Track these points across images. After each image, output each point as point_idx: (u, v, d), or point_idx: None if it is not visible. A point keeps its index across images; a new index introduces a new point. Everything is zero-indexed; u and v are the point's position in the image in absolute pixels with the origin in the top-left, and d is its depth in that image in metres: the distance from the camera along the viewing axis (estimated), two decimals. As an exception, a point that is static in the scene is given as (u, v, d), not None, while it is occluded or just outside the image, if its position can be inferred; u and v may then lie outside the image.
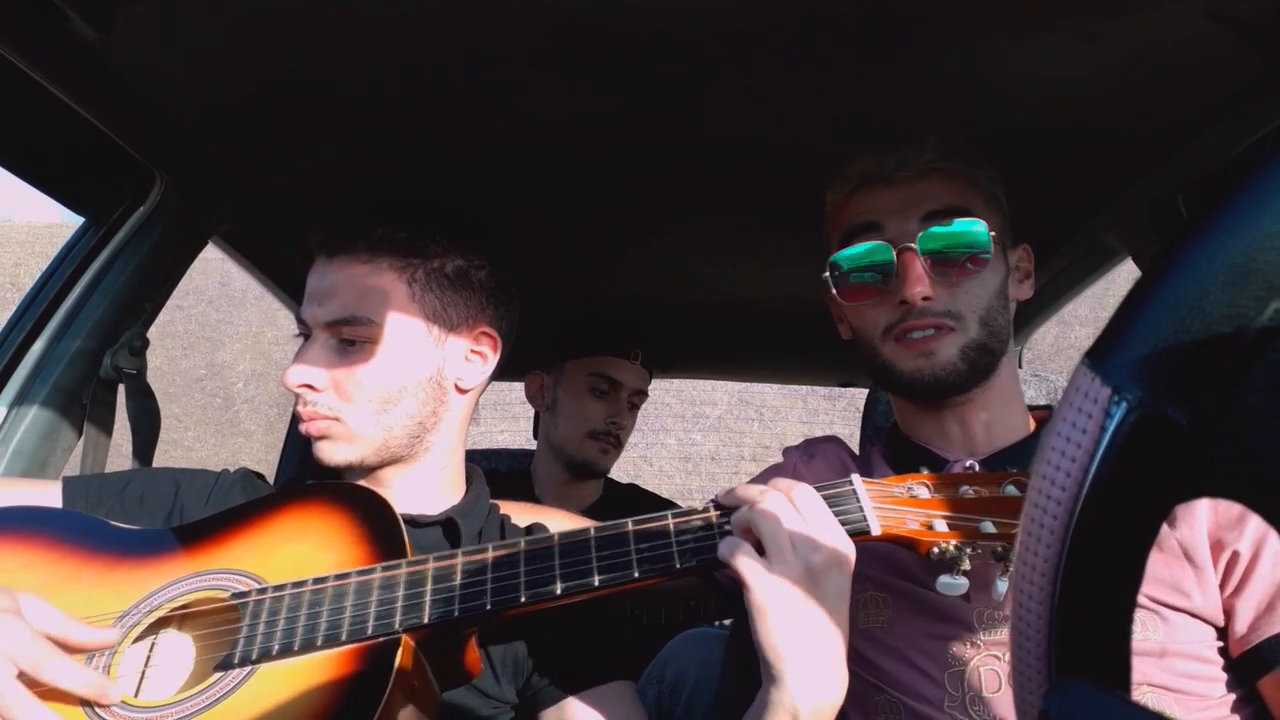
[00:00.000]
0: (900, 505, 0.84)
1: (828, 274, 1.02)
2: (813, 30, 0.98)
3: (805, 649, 0.74)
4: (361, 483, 1.01)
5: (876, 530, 0.81)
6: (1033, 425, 1.04)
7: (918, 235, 0.96)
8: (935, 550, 0.81)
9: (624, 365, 1.85)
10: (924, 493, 0.84)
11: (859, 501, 0.83)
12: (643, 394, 1.92)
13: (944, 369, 0.95)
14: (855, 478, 0.85)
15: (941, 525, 0.81)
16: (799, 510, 0.79)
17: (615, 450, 1.87)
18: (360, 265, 0.99)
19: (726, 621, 1.77)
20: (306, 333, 1.01)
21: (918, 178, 1.00)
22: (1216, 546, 0.85)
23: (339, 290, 0.98)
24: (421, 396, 1.00)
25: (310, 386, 0.97)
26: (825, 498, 0.82)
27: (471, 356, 1.05)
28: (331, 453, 0.98)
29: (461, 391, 1.05)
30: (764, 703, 0.75)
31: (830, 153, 1.10)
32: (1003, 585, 0.83)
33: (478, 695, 0.91)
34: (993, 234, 0.96)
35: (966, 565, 0.81)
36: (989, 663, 0.89)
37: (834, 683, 0.75)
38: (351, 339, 0.98)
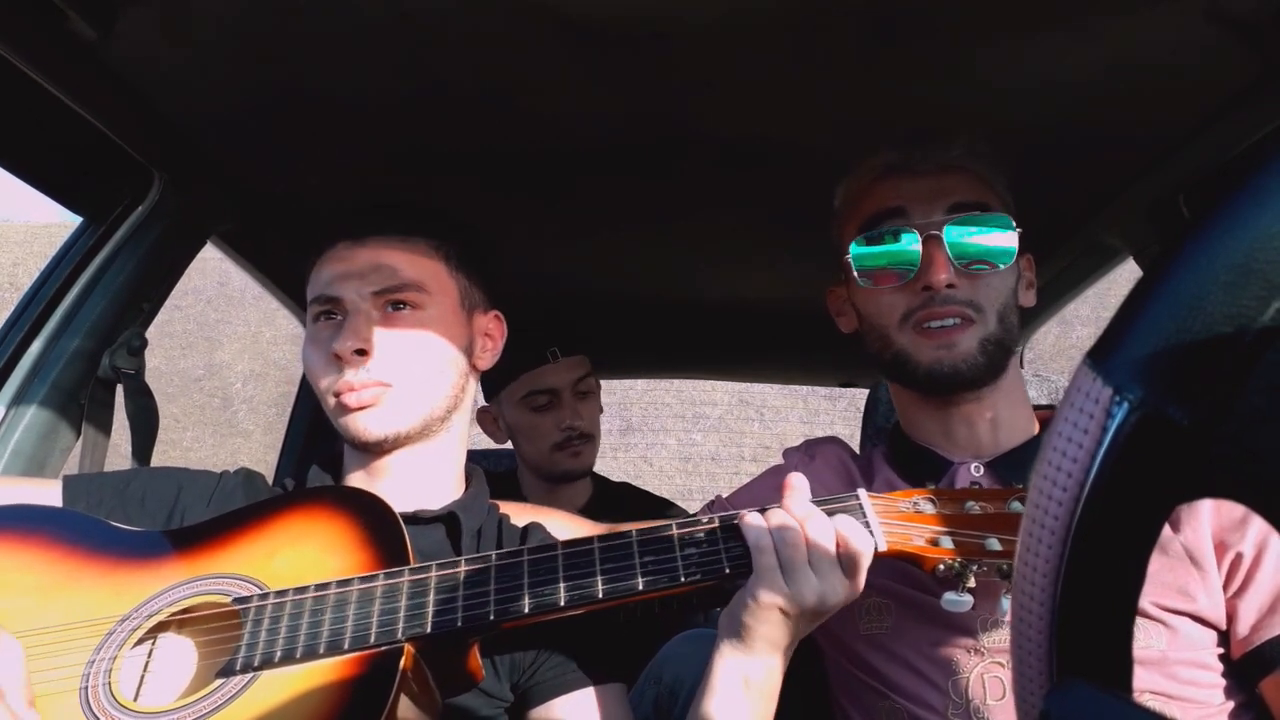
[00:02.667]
0: (906, 521, 0.83)
1: (848, 257, 1.00)
2: (813, 31, 0.98)
3: (774, 641, 0.79)
4: (366, 473, 1.01)
5: (883, 546, 0.81)
6: (1037, 427, 1.03)
7: (945, 225, 0.96)
8: (940, 567, 0.81)
9: (548, 370, 1.76)
10: (929, 508, 0.84)
11: (865, 517, 0.83)
12: (585, 379, 1.82)
13: (965, 360, 0.95)
14: (861, 492, 0.85)
15: (947, 542, 0.81)
16: (819, 540, 0.79)
17: (588, 447, 1.81)
18: (397, 243, 1.02)
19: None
20: (333, 313, 1.01)
21: (944, 171, 1.00)
22: (1220, 548, 0.85)
23: (381, 263, 1.00)
24: (458, 369, 1.04)
25: (364, 351, 0.96)
26: (830, 511, 0.82)
27: (486, 339, 1.10)
28: (378, 423, 0.97)
29: (476, 373, 1.09)
30: (715, 668, 0.81)
31: (830, 153, 1.10)
32: (1007, 603, 0.83)
33: (479, 695, 0.91)
34: (1019, 231, 0.97)
35: (972, 583, 0.81)
36: (993, 670, 0.89)
37: (785, 661, 0.82)
38: (402, 303, 1.00)
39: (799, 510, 0.81)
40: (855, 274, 1.00)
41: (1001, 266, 0.97)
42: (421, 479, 1.03)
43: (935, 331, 0.95)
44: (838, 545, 0.79)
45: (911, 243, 0.96)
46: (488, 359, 1.10)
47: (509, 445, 1.89)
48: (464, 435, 1.08)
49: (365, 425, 0.97)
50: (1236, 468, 0.29)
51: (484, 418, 1.87)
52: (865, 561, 0.79)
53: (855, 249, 1.00)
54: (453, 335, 1.03)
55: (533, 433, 1.77)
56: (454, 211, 1.10)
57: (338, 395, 0.98)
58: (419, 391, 0.99)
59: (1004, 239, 0.97)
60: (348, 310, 0.99)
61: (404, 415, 0.98)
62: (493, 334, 1.11)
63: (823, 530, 0.79)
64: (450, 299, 1.04)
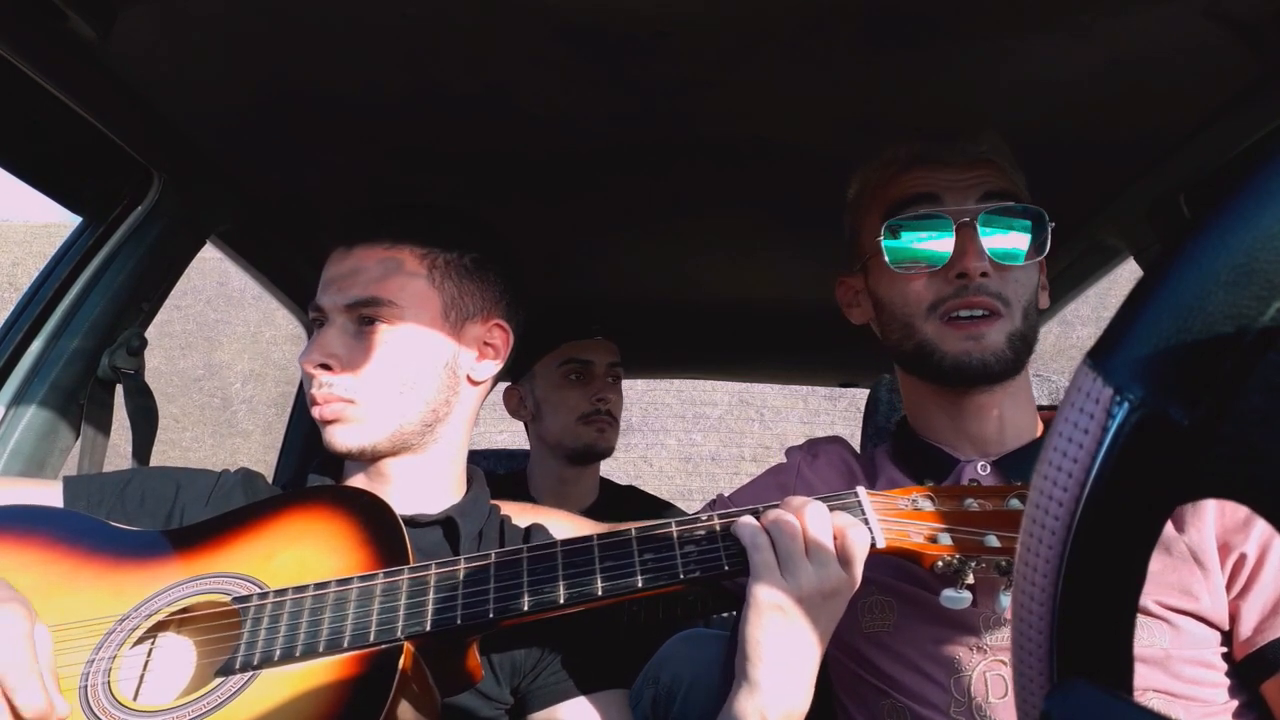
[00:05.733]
0: (904, 518, 0.83)
1: (878, 240, 0.97)
2: (813, 31, 0.98)
3: (784, 658, 0.77)
4: (365, 476, 1.01)
5: (881, 543, 0.81)
6: (1041, 428, 1.03)
7: (979, 214, 0.94)
8: (939, 564, 0.81)
9: (588, 344, 1.84)
10: (928, 505, 0.84)
11: (864, 514, 0.83)
12: (618, 365, 1.90)
13: (994, 354, 0.93)
14: (860, 490, 0.85)
15: (945, 538, 0.81)
16: (816, 531, 0.79)
17: (612, 428, 1.85)
18: (382, 252, 1.01)
19: (725, 615, 1.76)
20: (320, 320, 1.01)
21: (974, 163, 0.98)
22: (1224, 549, 0.85)
23: (360, 274, 0.99)
24: (437, 383, 1.01)
25: (327, 366, 0.97)
26: (829, 508, 0.82)
27: (485, 349, 1.06)
28: (344, 437, 0.97)
29: (473, 384, 1.06)
30: (734, 707, 0.77)
31: (830, 152, 1.10)
32: (1006, 599, 0.82)
33: (478, 697, 0.91)
34: (1053, 225, 0.96)
35: (970, 579, 0.81)
36: (995, 668, 0.89)
37: (803, 695, 0.78)
38: (371, 319, 0.98)
39: (795, 502, 0.81)
40: (886, 260, 0.97)
41: (1031, 261, 0.96)
42: (418, 484, 1.02)
43: (964, 322, 0.94)
44: (835, 537, 0.79)
45: (945, 230, 0.94)
46: (489, 370, 1.06)
47: (512, 446, 1.90)
48: (459, 443, 1.06)
49: (332, 438, 0.98)
50: (1237, 468, 0.29)
51: (510, 396, 1.92)
52: (861, 554, 0.79)
53: (886, 234, 0.97)
54: (430, 349, 1.00)
55: (562, 404, 1.82)
56: (459, 215, 1.08)
57: (310, 406, 0.99)
58: (382, 409, 0.98)
59: (1036, 232, 0.96)
60: (326, 320, 1.00)
61: (368, 431, 0.97)
62: (494, 343, 1.06)
63: (820, 520, 0.79)
64: (430, 311, 1.01)
